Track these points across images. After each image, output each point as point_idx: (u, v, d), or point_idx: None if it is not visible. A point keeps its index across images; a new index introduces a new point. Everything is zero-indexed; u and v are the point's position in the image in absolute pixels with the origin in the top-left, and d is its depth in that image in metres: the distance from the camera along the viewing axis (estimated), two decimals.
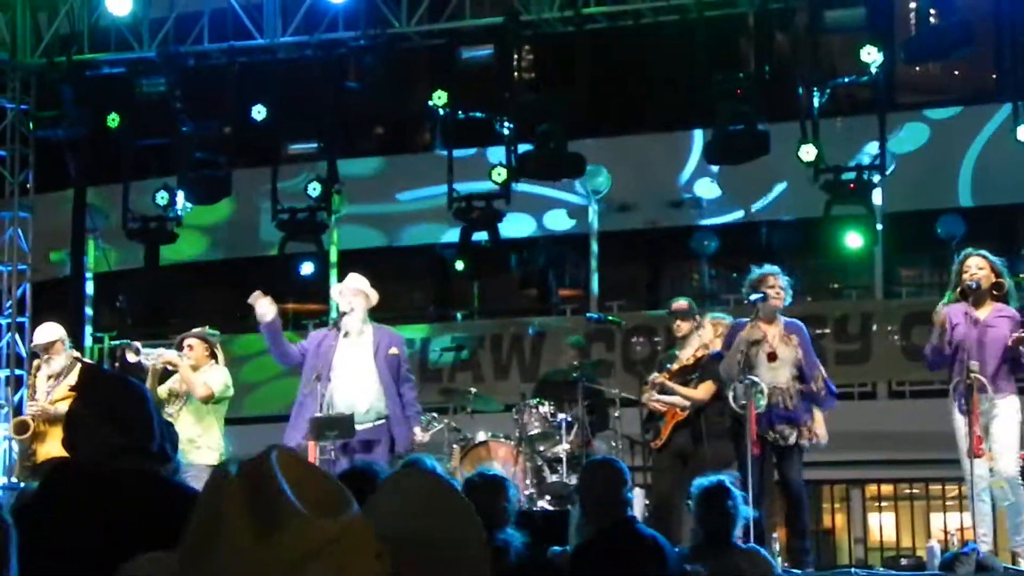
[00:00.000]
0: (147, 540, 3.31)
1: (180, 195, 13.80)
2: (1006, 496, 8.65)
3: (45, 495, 3.82)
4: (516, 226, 15.41)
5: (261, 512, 1.59)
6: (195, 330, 10.40)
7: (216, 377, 10.19)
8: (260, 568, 1.57)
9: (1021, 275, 16.98)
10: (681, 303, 10.27)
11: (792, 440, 8.97)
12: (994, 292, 8.82)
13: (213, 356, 10.30)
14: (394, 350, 9.74)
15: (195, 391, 10.03)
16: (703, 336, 9.91)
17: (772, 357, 8.99)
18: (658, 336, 10.81)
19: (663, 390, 9.89)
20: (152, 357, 10.19)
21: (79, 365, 10.47)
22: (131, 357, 10.14)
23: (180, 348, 10.26)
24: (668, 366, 9.98)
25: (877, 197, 12.94)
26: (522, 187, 14.12)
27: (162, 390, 10.12)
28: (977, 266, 8.81)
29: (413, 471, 2.04)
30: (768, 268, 9.41)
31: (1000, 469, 8.58)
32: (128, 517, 3.51)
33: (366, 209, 16.68)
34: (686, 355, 9.92)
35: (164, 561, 1.85)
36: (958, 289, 8.82)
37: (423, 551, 1.73)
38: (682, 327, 10.10)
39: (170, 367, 10.19)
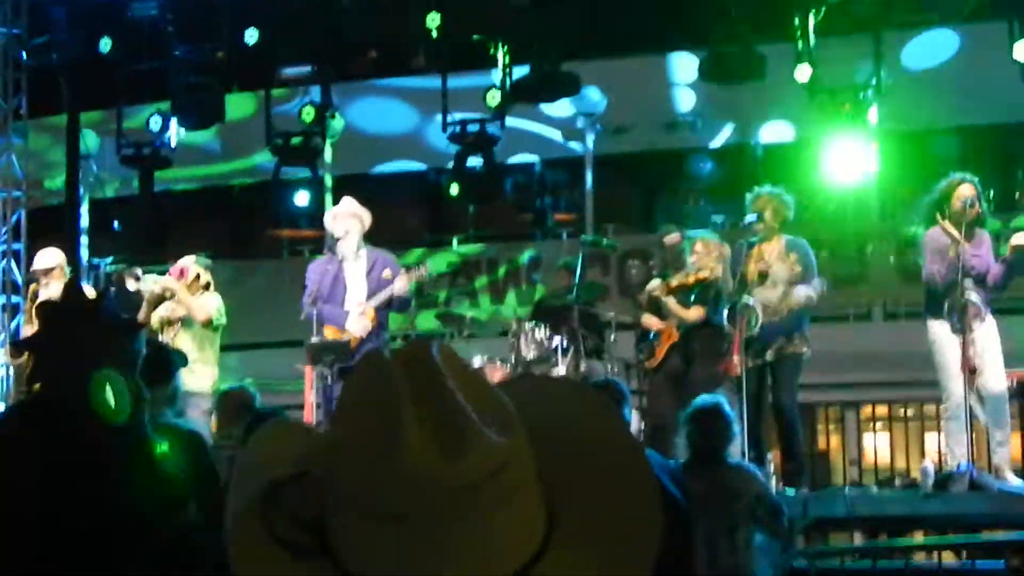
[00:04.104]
0: (99, 478, 3.31)
1: (173, 121, 13.73)
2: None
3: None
4: (511, 149, 15.34)
5: (441, 428, 1.37)
6: (187, 257, 10.41)
7: (211, 302, 10.24)
8: (445, 496, 1.35)
9: (1018, 193, 17.01)
10: (674, 236, 10.19)
11: (770, 356, 9.04)
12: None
13: (205, 284, 10.34)
14: (387, 273, 9.77)
15: (195, 315, 10.09)
16: (707, 260, 9.78)
17: (763, 276, 9.03)
18: (653, 259, 10.81)
19: (654, 304, 9.85)
20: (150, 283, 10.22)
21: None
22: (131, 284, 10.17)
23: (177, 274, 10.30)
24: (667, 279, 9.91)
25: (874, 117, 12.85)
26: (517, 110, 14.04)
27: (153, 318, 10.14)
28: (969, 199, 8.76)
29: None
30: (763, 189, 9.40)
31: (988, 384, 8.71)
32: (87, 453, 3.45)
33: (360, 134, 16.60)
34: (690, 272, 9.78)
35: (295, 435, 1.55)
36: (945, 213, 8.80)
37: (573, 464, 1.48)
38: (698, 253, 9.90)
39: (168, 294, 10.21)
